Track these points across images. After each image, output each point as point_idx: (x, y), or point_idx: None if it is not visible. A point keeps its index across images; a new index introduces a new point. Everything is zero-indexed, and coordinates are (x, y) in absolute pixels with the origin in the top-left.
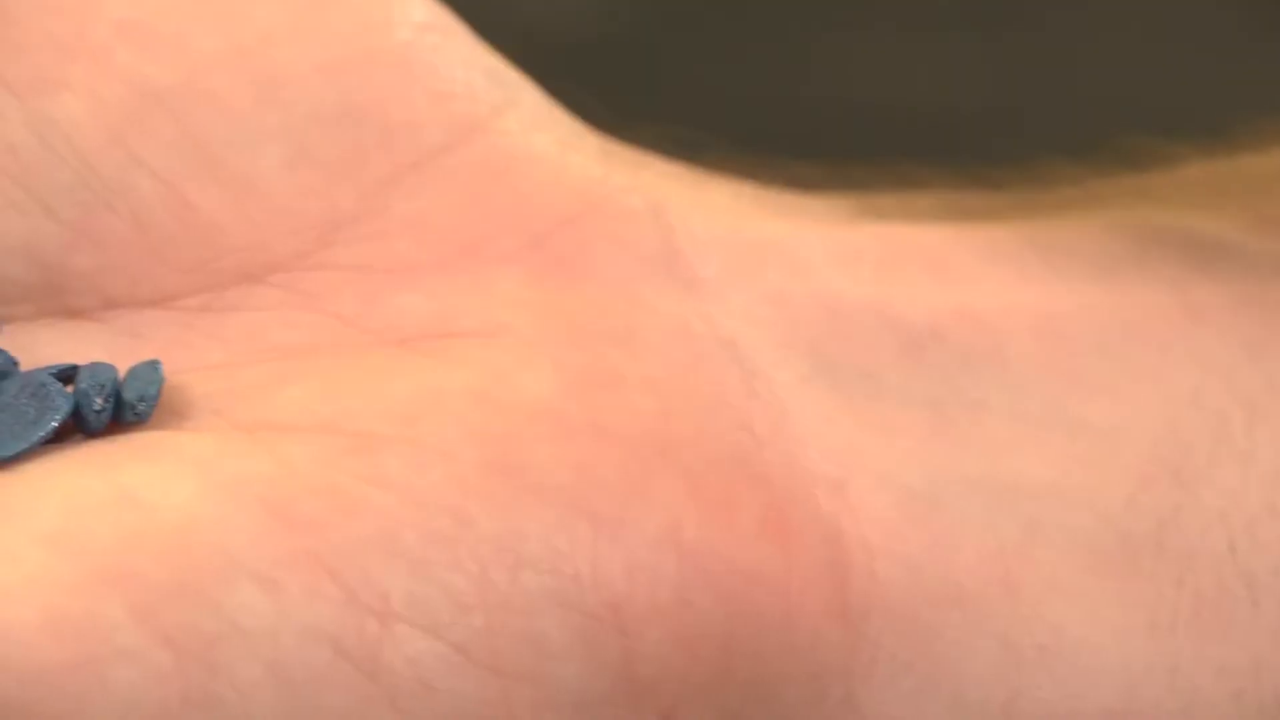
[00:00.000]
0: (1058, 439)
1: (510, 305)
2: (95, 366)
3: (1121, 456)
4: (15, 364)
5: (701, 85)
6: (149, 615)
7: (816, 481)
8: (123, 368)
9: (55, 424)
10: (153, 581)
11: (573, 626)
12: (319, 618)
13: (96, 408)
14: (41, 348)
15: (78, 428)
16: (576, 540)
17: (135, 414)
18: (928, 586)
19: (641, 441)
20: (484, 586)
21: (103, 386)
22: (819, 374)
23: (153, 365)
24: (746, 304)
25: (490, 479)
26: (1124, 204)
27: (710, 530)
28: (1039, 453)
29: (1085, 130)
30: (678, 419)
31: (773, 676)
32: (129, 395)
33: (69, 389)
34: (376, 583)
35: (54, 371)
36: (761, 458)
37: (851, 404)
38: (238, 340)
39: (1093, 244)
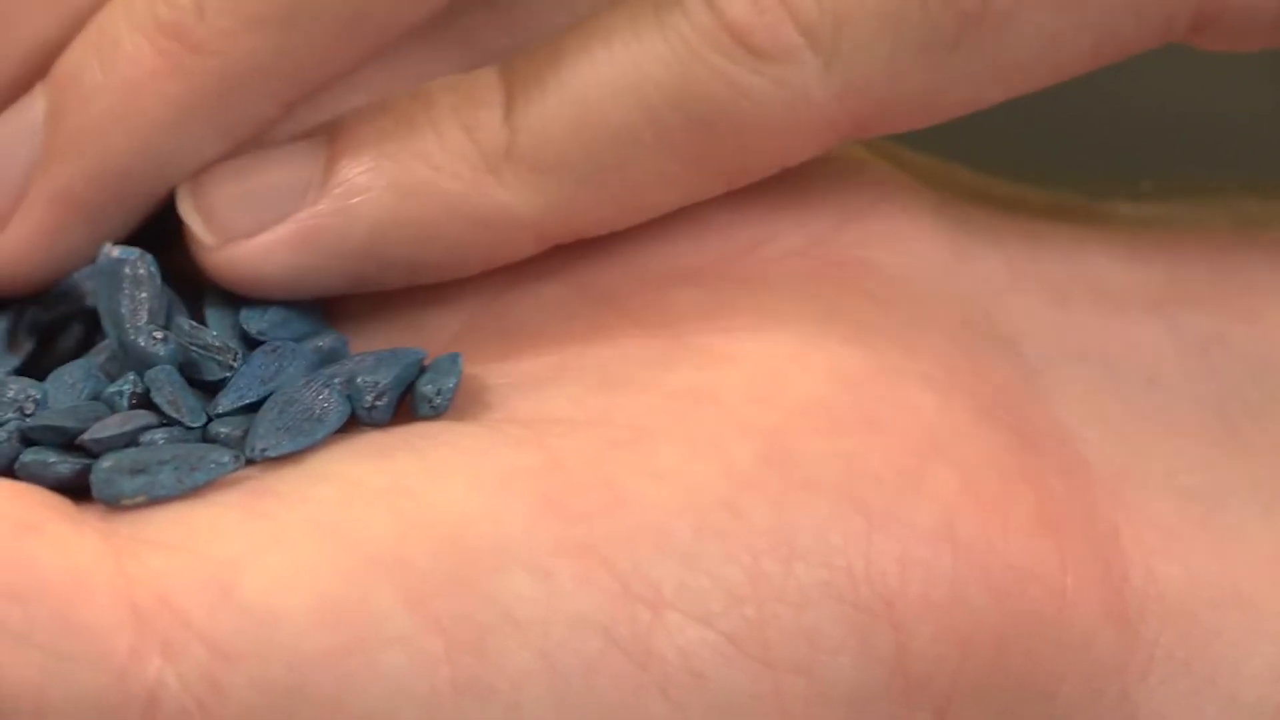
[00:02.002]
0: None
1: (787, 301)
2: (396, 356)
3: None
4: (345, 343)
5: None
6: (420, 604)
7: (1094, 481)
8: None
9: (330, 431)
10: (424, 571)
11: (845, 620)
12: (590, 607)
13: (367, 405)
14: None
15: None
16: (849, 534)
17: (431, 407)
18: (1206, 587)
19: (915, 436)
20: (756, 578)
21: (376, 384)
22: (1099, 375)
23: (453, 359)
24: (1028, 304)
25: (763, 472)
26: None
27: (984, 526)
28: None
29: None
30: (953, 415)
31: (1046, 675)
32: (426, 388)
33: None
34: (648, 573)
35: (366, 359)
36: (1038, 455)
37: (1131, 405)
38: (517, 334)
39: None
